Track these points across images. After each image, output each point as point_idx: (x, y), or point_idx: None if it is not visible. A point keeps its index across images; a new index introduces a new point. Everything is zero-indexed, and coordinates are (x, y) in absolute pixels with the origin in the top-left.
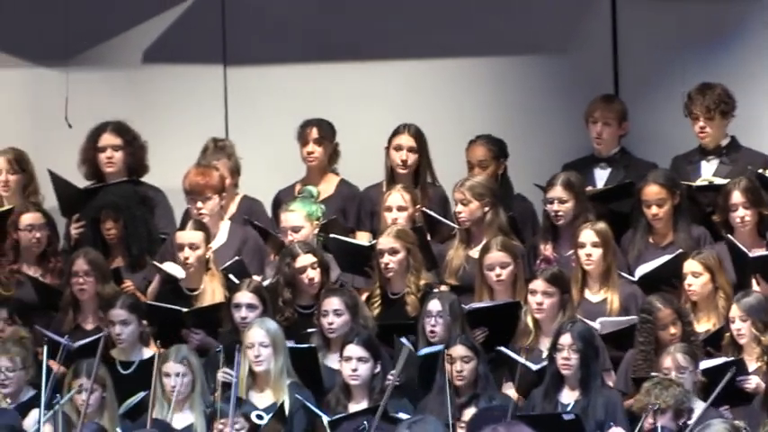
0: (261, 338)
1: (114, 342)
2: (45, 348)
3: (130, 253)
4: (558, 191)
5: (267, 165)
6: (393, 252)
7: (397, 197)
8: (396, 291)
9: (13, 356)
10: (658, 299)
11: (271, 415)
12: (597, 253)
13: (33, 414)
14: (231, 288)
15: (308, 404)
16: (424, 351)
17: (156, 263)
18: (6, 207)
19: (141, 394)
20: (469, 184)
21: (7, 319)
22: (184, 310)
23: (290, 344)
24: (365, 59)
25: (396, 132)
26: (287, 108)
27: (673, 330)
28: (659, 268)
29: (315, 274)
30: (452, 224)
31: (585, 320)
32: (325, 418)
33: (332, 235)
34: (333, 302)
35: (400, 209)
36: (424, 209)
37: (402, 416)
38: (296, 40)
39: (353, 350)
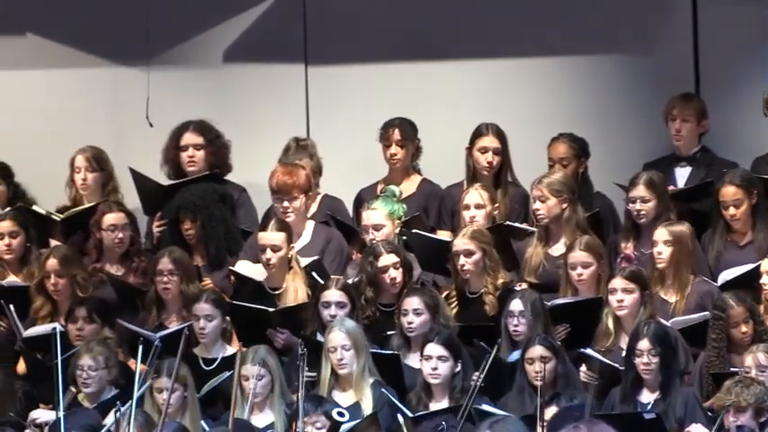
0: (343, 341)
1: (197, 337)
2: (140, 348)
3: (209, 252)
4: (640, 190)
5: (348, 164)
6: (468, 254)
7: (475, 195)
8: (473, 290)
9: (96, 356)
10: (732, 296)
11: (358, 420)
12: (668, 251)
13: (113, 413)
14: (314, 287)
15: (394, 400)
16: (514, 357)
17: (233, 268)
18: (87, 204)
19: (225, 374)
20: (547, 180)
21: (86, 318)
22: (271, 309)
23: (374, 349)
24: (445, 58)
25: (479, 134)
26: (368, 107)
27: (744, 329)
28: (743, 275)
29: (397, 274)
30: (530, 228)
31: (663, 321)
32: (402, 416)
33: (414, 230)
34: (413, 302)
35: (478, 207)
36: (507, 223)
37: (485, 407)
38: (376, 39)
39: (434, 349)
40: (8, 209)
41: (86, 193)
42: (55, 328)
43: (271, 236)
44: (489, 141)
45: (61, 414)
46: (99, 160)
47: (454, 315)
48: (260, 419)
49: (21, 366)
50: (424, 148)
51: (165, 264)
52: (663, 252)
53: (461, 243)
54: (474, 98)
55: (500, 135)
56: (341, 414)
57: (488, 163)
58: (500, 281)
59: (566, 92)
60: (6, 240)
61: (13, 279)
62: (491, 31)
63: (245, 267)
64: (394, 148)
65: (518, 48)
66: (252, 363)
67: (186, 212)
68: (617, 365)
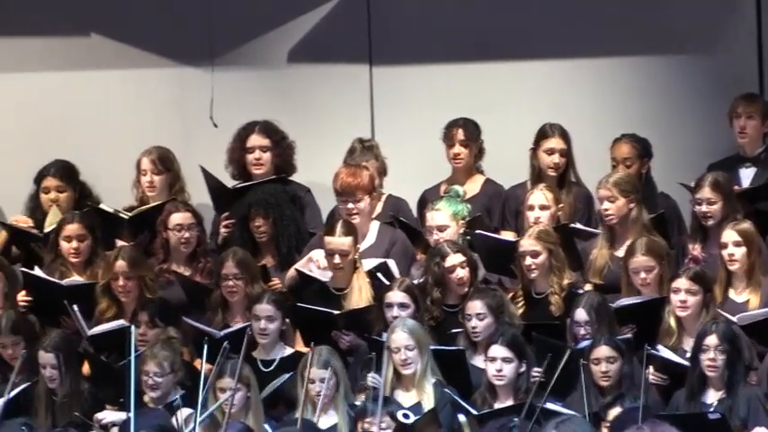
0: (406, 342)
1: (255, 338)
2: (205, 349)
3: (280, 251)
4: (706, 192)
5: (412, 164)
6: (535, 254)
7: (540, 196)
8: (540, 291)
9: (161, 361)
10: None
11: (419, 417)
12: (740, 252)
13: (180, 413)
14: (378, 288)
15: (457, 398)
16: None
17: (300, 269)
18: (153, 204)
19: (285, 376)
20: (615, 179)
21: (148, 323)
22: (336, 312)
23: (439, 347)
24: (510, 59)
25: (544, 135)
26: (432, 107)
27: None
28: None
29: (464, 273)
30: (595, 230)
31: (728, 316)
32: (464, 415)
33: (477, 231)
34: (475, 306)
35: (542, 207)
36: (573, 224)
37: (550, 406)
38: (441, 39)
39: (498, 350)
40: (76, 212)
41: (153, 195)
42: (124, 325)
43: (338, 240)
44: (555, 143)
45: (133, 413)
46: (165, 161)
47: (521, 315)
48: (324, 421)
49: (86, 367)
50: (488, 149)
51: (229, 267)
52: (735, 253)
53: (528, 244)
54: (537, 98)
55: (565, 136)
56: (406, 416)
57: (555, 164)
58: (566, 281)
59: (629, 92)
60: (74, 243)
61: (75, 278)
62: (554, 31)
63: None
64: (457, 148)
65: (581, 48)
66: (317, 366)
67: (258, 209)
68: (684, 362)
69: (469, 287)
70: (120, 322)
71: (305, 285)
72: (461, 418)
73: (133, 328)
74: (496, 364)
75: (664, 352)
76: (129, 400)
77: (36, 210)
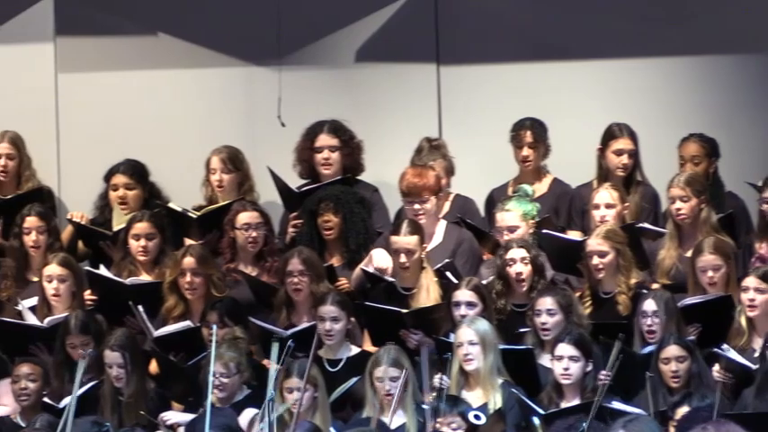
0: (470, 337)
1: (321, 339)
2: (275, 348)
3: (348, 248)
4: None
5: (480, 163)
6: (602, 254)
7: (605, 195)
8: (607, 290)
9: (227, 362)
10: None
11: (489, 413)
12: None
13: (247, 413)
14: (446, 287)
15: (524, 398)
16: (646, 350)
17: (365, 268)
18: (222, 203)
19: (353, 380)
20: (688, 179)
21: (218, 322)
22: (404, 311)
23: (508, 346)
24: (577, 58)
25: (612, 135)
26: (499, 106)
27: None
28: None
29: (523, 269)
30: (662, 230)
31: None
32: (536, 417)
33: (545, 231)
34: (546, 302)
35: (608, 206)
36: (640, 224)
37: (617, 405)
38: (509, 39)
39: (565, 349)
40: (146, 210)
41: (223, 194)
42: (190, 326)
43: (404, 240)
44: (624, 144)
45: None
46: (234, 160)
47: (588, 315)
48: (393, 420)
49: (152, 366)
50: (554, 148)
51: (294, 264)
52: None
53: (595, 243)
54: (604, 98)
55: (633, 136)
56: (477, 417)
57: (623, 165)
58: (633, 280)
59: (695, 91)
60: (142, 242)
61: (139, 278)
62: (621, 31)
63: (381, 256)
64: (526, 151)
65: (648, 48)
66: (387, 364)
67: (328, 204)
68: (750, 365)
69: (530, 286)
70: (187, 323)
71: (372, 285)
72: (535, 420)
73: (215, 327)
74: (563, 362)
75: (730, 352)
76: (200, 400)
77: (104, 208)
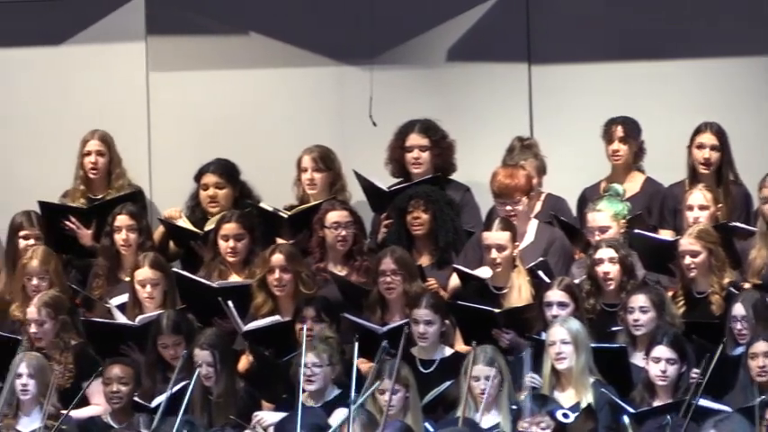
0: (562, 336)
1: (416, 341)
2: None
3: (437, 246)
4: None
5: (571, 163)
6: (694, 254)
7: (699, 196)
8: (700, 290)
9: (320, 353)
10: None
11: (577, 414)
12: None
13: (338, 413)
14: (538, 286)
15: (615, 398)
16: (738, 351)
17: (458, 266)
18: (313, 203)
19: (446, 384)
20: None
21: (315, 317)
22: (497, 310)
23: (600, 344)
24: (668, 57)
25: (698, 131)
26: (591, 106)
27: None
28: None
29: (612, 269)
30: (754, 229)
31: None
32: (626, 417)
33: (636, 230)
34: (639, 299)
35: (701, 207)
36: (732, 223)
37: (708, 404)
38: (599, 38)
39: (663, 352)
40: (235, 210)
41: (314, 193)
42: (279, 321)
43: (496, 235)
44: (707, 138)
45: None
46: (326, 160)
47: (681, 314)
48: (487, 419)
49: (241, 365)
50: (647, 147)
51: (387, 264)
52: None
53: (687, 243)
54: (697, 97)
55: (718, 133)
56: (566, 416)
57: (705, 159)
58: (726, 280)
59: None
60: (231, 243)
61: (227, 280)
62: (714, 30)
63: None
64: (616, 145)
65: (741, 47)
66: (483, 363)
67: (419, 201)
68: None
69: (618, 285)
70: (276, 318)
71: (464, 283)
72: (625, 419)
73: (306, 326)
74: (661, 365)
75: None
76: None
77: (195, 208)
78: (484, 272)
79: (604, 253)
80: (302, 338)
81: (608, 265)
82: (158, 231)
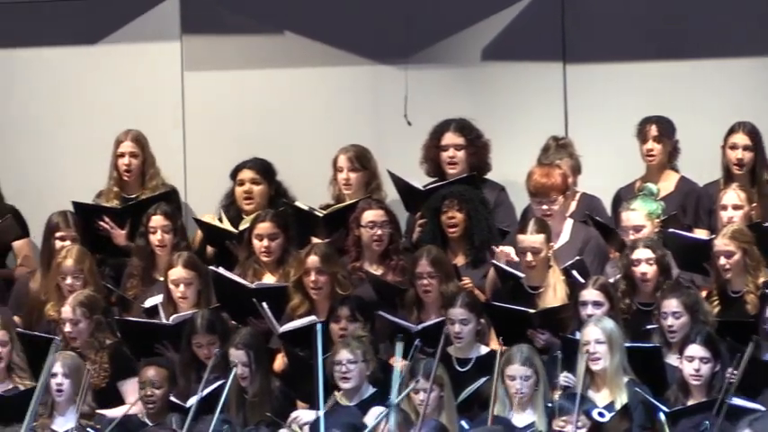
0: (597, 336)
1: (452, 340)
2: (399, 345)
3: (473, 245)
4: None
5: (606, 162)
6: (729, 254)
7: (733, 196)
8: (736, 289)
9: (354, 349)
10: None
11: (613, 414)
12: None
13: (373, 412)
14: (573, 286)
15: (649, 397)
16: None
17: (496, 262)
18: (349, 202)
19: (481, 380)
20: None
21: (349, 317)
22: (531, 311)
23: (635, 344)
24: (703, 57)
25: (731, 131)
26: (626, 105)
27: None
28: None
29: (649, 270)
30: None
31: None
32: (663, 414)
33: (671, 230)
34: (671, 304)
35: (736, 207)
36: (766, 223)
37: (742, 403)
38: (635, 37)
39: (696, 350)
40: (269, 210)
41: (349, 193)
42: (314, 321)
43: (531, 238)
44: (740, 138)
45: (322, 413)
46: (362, 159)
47: (716, 314)
48: (521, 419)
49: (276, 365)
50: (682, 147)
51: (423, 266)
52: None
53: (722, 243)
54: (731, 96)
55: (752, 133)
56: (601, 415)
57: (738, 159)
58: (761, 279)
59: None
60: (265, 242)
61: (263, 281)
62: (750, 30)
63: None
64: (650, 144)
65: None
66: (519, 363)
67: (453, 201)
68: None
69: (655, 286)
70: (312, 318)
71: (501, 281)
72: (662, 416)
73: (331, 325)
74: (694, 363)
75: None
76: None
77: (231, 206)
78: (517, 271)
79: (641, 253)
80: (334, 337)
81: (645, 265)
82: (198, 235)
